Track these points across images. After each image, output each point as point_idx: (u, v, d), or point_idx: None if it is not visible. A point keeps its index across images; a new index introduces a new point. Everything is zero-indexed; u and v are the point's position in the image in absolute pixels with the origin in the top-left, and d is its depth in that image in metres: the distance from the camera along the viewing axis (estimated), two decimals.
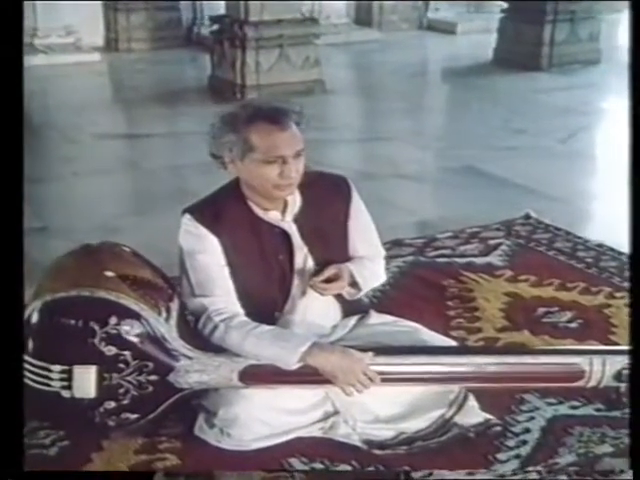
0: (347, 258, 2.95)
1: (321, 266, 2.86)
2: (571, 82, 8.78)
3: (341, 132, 6.80)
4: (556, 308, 3.71)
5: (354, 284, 2.91)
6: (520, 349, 2.97)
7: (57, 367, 2.63)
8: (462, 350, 2.98)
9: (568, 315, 3.65)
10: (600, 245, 4.37)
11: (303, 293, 2.90)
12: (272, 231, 2.83)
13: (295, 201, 2.85)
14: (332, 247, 2.92)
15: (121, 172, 5.47)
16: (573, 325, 3.57)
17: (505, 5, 10.16)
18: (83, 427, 2.76)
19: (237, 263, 2.78)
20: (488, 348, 2.98)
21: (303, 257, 2.87)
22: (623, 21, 12.10)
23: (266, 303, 2.85)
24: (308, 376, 2.70)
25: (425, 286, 3.90)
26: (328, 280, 2.82)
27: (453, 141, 6.57)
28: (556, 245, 4.42)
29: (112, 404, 2.68)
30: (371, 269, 3.00)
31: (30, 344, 2.63)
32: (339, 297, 2.96)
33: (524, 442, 2.81)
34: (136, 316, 2.65)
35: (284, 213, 2.84)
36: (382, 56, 10.60)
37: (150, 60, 10.20)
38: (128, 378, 2.67)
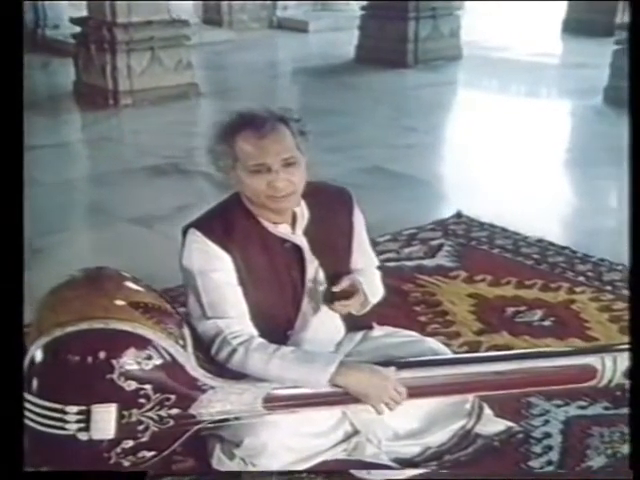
0: (350, 271, 2.83)
1: (331, 281, 2.73)
2: (439, 78, 8.91)
3: None
4: (524, 307, 3.70)
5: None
6: (534, 353, 2.92)
7: (73, 408, 2.39)
8: (478, 359, 2.91)
9: (539, 314, 3.64)
10: (540, 240, 4.40)
11: (314, 309, 2.76)
12: (283, 246, 2.67)
13: (303, 213, 2.70)
14: (340, 259, 2.81)
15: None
16: (547, 323, 3.58)
17: (360, 3, 10.24)
18: (97, 470, 2.53)
19: (249, 281, 2.61)
20: (503, 355, 2.91)
21: (314, 271, 2.73)
22: (465, 18, 12.45)
23: (279, 322, 2.70)
24: (330, 397, 2.57)
25: (387, 292, 3.79)
26: (345, 293, 2.68)
27: (350, 141, 6.50)
28: (497, 242, 4.43)
29: (130, 443, 2.47)
30: (374, 282, 2.91)
31: (39, 385, 2.38)
32: None
33: (550, 447, 2.78)
34: (155, 346, 2.44)
35: (294, 226, 2.69)
36: (241, 56, 10.47)
37: None
38: (148, 414, 2.46)
